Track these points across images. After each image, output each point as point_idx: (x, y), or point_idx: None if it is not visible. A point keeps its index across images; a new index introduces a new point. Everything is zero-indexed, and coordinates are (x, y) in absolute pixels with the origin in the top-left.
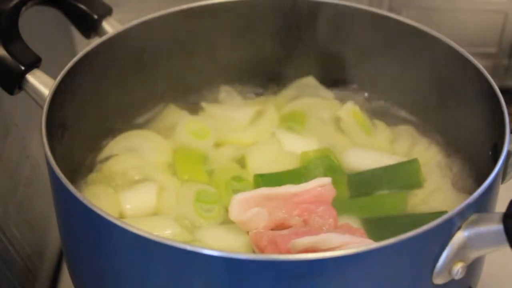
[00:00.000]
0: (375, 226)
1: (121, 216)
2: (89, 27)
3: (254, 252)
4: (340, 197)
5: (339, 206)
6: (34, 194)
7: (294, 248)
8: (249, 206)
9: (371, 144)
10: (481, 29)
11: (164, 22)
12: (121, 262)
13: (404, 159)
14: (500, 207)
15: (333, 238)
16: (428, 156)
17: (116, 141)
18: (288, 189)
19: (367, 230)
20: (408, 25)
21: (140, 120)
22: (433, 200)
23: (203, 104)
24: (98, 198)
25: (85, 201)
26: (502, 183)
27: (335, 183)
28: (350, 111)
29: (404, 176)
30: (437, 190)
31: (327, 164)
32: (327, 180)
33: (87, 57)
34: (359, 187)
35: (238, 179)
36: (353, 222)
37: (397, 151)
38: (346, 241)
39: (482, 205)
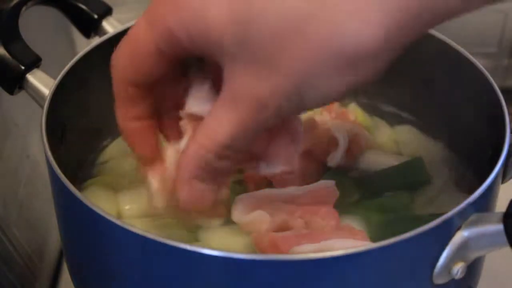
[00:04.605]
0: (379, 229)
1: (120, 217)
2: (89, 27)
3: (255, 253)
4: (347, 200)
5: (343, 208)
6: (34, 194)
7: None
8: (252, 207)
9: (375, 144)
10: (481, 29)
11: None
12: (121, 262)
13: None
14: (500, 207)
15: (334, 244)
16: (433, 155)
17: (115, 142)
18: (291, 190)
19: (370, 232)
20: None
21: None
22: (438, 201)
23: None
24: (98, 198)
25: (85, 201)
26: (502, 183)
27: (342, 186)
28: (352, 112)
29: (410, 174)
30: (442, 190)
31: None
32: (330, 182)
33: (87, 57)
34: (367, 190)
35: (240, 182)
36: (355, 223)
37: (402, 151)
38: (347, 247)
39: (482, 205)
